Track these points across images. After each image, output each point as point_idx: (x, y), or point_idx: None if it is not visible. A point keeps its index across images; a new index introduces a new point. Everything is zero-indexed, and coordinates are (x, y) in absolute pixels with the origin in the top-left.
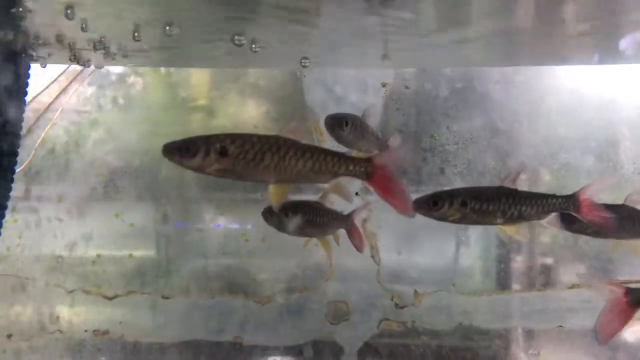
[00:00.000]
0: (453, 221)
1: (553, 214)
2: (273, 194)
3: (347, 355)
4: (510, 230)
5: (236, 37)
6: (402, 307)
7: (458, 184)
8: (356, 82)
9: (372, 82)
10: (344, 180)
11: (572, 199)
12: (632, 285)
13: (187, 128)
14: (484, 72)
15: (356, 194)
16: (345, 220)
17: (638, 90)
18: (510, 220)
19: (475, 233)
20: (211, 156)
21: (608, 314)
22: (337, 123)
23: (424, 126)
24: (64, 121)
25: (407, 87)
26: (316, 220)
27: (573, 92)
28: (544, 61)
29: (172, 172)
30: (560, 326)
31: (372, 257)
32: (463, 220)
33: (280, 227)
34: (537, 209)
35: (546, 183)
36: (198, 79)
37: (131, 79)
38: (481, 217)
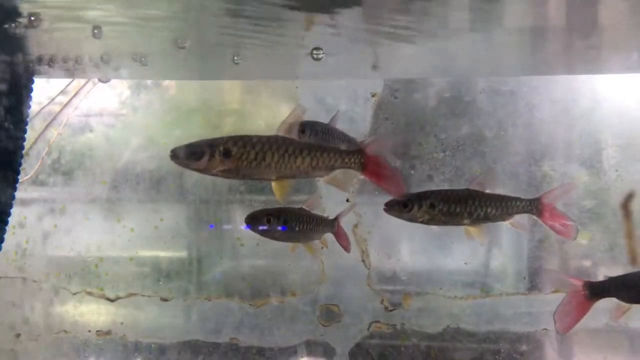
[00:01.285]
0: (422, 222)
1: (517, 216)
2: (277, 190)
3: (339, 356)
4: (473, 231)
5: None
6: (391, 310)
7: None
8: (347, 92)
9: (361, 93)
10: (340, 172)
11: (535, 203)
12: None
13: (219, 131)
14: (470, 82)
15: (347, 200)
16: (331, 225)
17: (620, 99)
18: (477, 221)
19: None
20: (216, 158)
21: (567, 305)
22: (299, 130)
23: (413, 135)
24: (100, 125)
25: (395, 97)
26: (300, 226)
27: (556, 101)
28: (531, 71)
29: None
30: (545, 329)
31: (363, 261)
32: (432, 221)
33: (263, 233)
34: (502, 211)
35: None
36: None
37: (165, 83)
38: (449, 218)
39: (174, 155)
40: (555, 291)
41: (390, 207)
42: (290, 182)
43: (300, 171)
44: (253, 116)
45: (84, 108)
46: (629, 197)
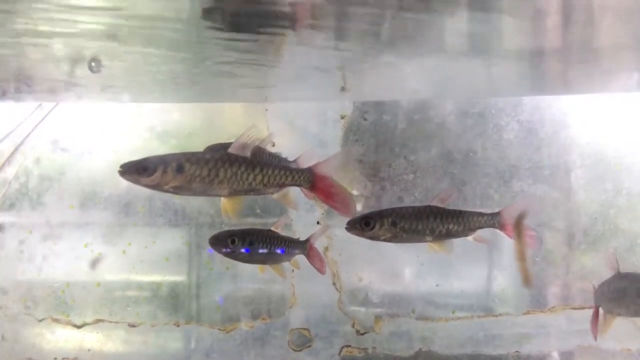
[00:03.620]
0: (385, 240)
1: (478, 231)
2: (228, 207)
3: None
4: (437, 246)
5: None
6: (363, 334)
7: None
8: (316, 114)
9: (331, 114)
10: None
11: (496, 217)
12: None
13: None
14: (439, 104)
15: (317, 222)
16: (302, 246)
17: (587, 120)
18: (439, 237)
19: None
20: (168, 174)
21: None
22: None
23: (383, 156)
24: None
25: (365, 119)
26: (267, 248)
27: (523, 122)
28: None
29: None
30: (517, 352)
31: (334, 283)
32: (394, 239)
33: (227, 253)
34: (464, 226)
35: None
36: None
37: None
38: (411, 236)
39: (124, 170)
40: (527, 313)
41: (351, 226)
42: (242, 199)
43: (251, 188)
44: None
45: (52, 132)
46: (521, 217)
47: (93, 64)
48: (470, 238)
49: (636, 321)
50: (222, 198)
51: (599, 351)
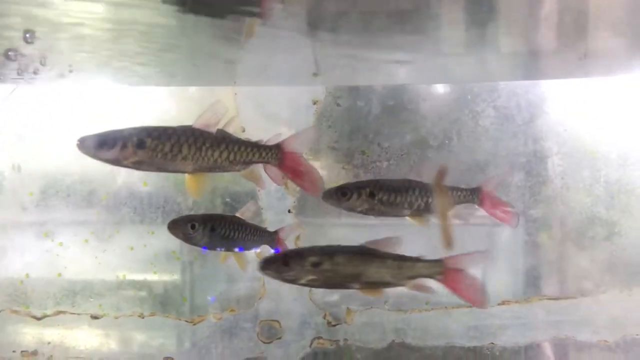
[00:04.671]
0: (361, 212)
1: (457, 206)
2: (191, 184)
3: None
4: (415, 221)
5: None
6: (334, 325)
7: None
8: (288, 99)
9: (303, 100)
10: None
11: (475, 192)
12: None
13: None
14: (414, 89)
15: (288, 211)
16: (269, 237)
17: (563, 105)
18: (417, 212)
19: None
20: (129, 148)
21: None
22: None
23: (357, 143)
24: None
25: (338, 104)
26: (231, 234)
27: (499, 108)
28: (475, 79)
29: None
30: (492, 343)
31: None
32: (371, 211)
33: (187, 239)
34: None
35: None
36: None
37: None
38: (389, 209)
39: (82, 144)
40: (502, 303)
41: (328, 196)
42: (206, 176)
43: (217, 165)
44: None
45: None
46: (442, 173)
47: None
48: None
49: None
50: (186, 175)
51: (575, 342)
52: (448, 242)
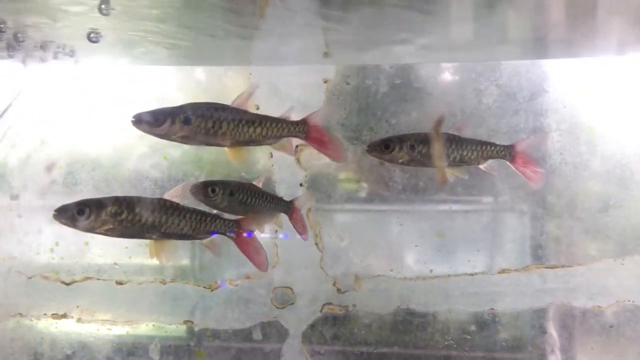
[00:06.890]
0: (402, 163)
1: (490, 160)
2: (232, 154)
3: (292, 337)
4: (453, 171)
5: None
6: (343, 292)
7: (397, 173)
8: (299, 79)
9: (314, 79)
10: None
11: (509, 149)
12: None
13: None
14: (420, 68)
15: (300, 184)
16: (285, 206)
17: (563, 83)
18: (454, 163)
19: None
20: (176, 125)
21: None
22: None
23: (365, 120)
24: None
25: (347, 83)
26: (248, 200)
27: (502, 86)
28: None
29: None
30: (492, 309)
31: (316, 244)
32: (411, 162)
33: (207, 202)
34: (477, 154)
35: None
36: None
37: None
38: (428, 160)
39: (137, 120)
40: (502, 272)
41: (372, 149)
42: (244, 148)
43: (252, 139)
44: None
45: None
46: (439, 121)
47: None
48: (482, 167)
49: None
50: (225, 148)
51: (570, 309)
52: (443, 180)
